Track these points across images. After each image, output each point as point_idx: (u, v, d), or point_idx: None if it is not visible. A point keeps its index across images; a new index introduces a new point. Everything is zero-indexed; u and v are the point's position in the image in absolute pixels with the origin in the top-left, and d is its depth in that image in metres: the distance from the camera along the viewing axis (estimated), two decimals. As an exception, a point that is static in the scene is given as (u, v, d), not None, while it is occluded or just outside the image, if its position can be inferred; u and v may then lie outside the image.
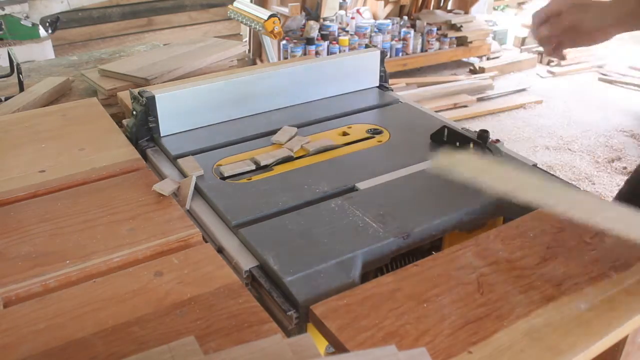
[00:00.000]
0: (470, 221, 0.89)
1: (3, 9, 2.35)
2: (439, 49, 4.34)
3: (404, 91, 3.87)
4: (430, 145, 1.08)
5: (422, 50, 4.29)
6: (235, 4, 2.85)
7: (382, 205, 0.88)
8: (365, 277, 0.77)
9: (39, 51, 2.64)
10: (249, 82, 1.19)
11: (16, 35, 2.48)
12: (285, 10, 3.80)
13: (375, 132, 1.14)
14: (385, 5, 4.35)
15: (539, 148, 3.27)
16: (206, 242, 0.83)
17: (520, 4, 5.76)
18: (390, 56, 4.13)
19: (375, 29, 4.13)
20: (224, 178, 0.98)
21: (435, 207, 0.87)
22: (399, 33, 4.21)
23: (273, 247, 0.78)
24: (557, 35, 1.01)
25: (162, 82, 1.54)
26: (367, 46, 1.53)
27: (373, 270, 0.82)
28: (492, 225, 0.92)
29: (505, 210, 0.92)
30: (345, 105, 1.26)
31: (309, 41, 3.84)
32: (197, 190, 0.95)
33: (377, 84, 1.37)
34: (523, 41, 4.82)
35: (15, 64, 1.57)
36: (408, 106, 1.28)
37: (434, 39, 4.29)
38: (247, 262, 0.77)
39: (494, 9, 5.59)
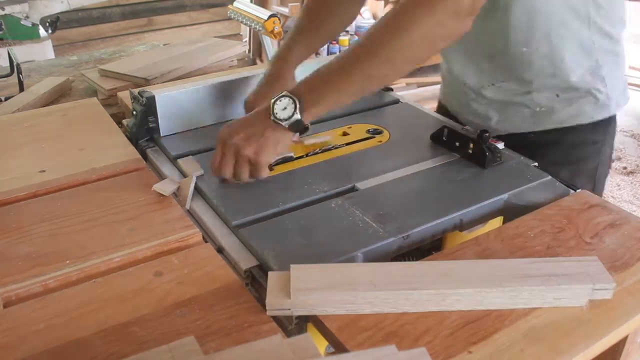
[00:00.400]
0: (470, 221, 0.89)
1: (3, 9, 2.35)
2: (439, 48, 4.34)
3: (404, 91, 3.87)
4: (430, 145, 1.08)
5: (422, 50, 4.29)
6: (235, 4, 2.85)
7: (382, 205, 0.88)
8: (365, 277, 0.77)
9: (39, 51, 2.64)
10: (249, 82, 1.19)
11: (16, 35, 2.48)
12: (285, 10, 3.80)
13: (375, 132, 1.14)
14: (385, 5, 4.35)
15: (539, 148, 3.27)
16: (206, 242, 0.83)
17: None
18: (390, 56, 4.12)
19: (375, 29, 4.12)
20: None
21: (435, 207, 0.87)
22: (399, 33, 4.21)
23: (273, 247, 0.78)
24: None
25: (162, 82, 1.54)
26: (367, 46, 1.52)
27: (373, 270, 0.82)
28: (492, 225, 0.93)
29: (505, 210, 0.92)
30: (345, 105, 1.26)
31: (309, 41, 3.83)
32: (197, 190, 0.95)
33: (377, 84, 1.36)
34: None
35: (15, 64, 1.58)
36: (408, 106, 1.28)
37: (434, 39, 4.28)
38: (247, 262, 0.77)
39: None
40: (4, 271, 0.74)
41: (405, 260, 0.88)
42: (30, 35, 2.52)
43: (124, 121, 1.19)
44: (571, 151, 1.10)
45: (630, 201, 3.06)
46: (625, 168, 3.09)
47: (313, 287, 0.66)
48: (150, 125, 1.10)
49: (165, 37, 4.01)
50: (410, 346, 0.62)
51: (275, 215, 0.87)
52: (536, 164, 1.01)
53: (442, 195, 0.92)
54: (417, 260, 0.79)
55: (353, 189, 0.94)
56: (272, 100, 0.88)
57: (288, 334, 0.66)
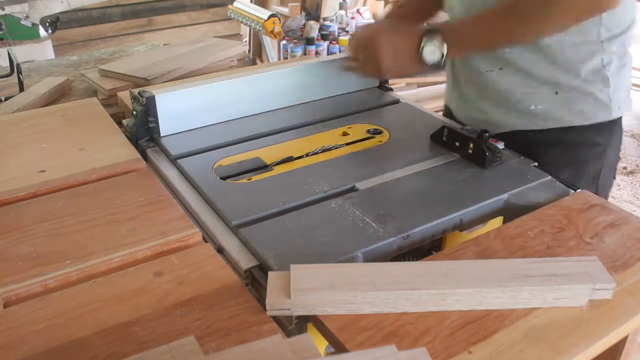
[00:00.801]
0: (470, 221, 0.89)
1: (3, 9, 2.35)
2: (439, 48, 4.33)
3: (404, 91, 3.86)
4: (430, 145, 1.08)
5: (422, 50, 4.29)
6: (235, 4, 2.85)
7: (382, 205, 0.88)
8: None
9: (39, 51, 2.64)
10: (249, 82, 1.19)
11: (16, 35, 2.48)
12: (285, 10, 3.80)
13: (375, 132, 1.14)
14: (385, 5, 4.35)
15: (539, 148, 3.27)
16: (206, 242, 0.83)
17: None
18: (390, 56, 4.12)
19: (376, 29, 4.12)
20: (224, 178, 0.98)
21: (435, 207, 0.87)
22: (399, 33, 4.21)
23: (273, 247, 0.78)
24: (361, 67, 1.06)
25: (162, 82, 1.54)
26: (367, 46, 1.52)
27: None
28: (492, 225, 0.93)
29: (505, 210, 0.92)
30: (345, 105, 1.26)
31: (309, 41, 3.84)
32: (197, 190, 0.95)
33: (377, 84, 1.37)
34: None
35: (15, 64, 1.58)
36: (408, 106, 1.28)
37: (434, 39, 4.28)
38: (247, 262, 0.77)
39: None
40: (4, 271, 0.74)
41: (405, 260, 0.88)
42: (30, 35, 2.51)
43: (124, 121, 1.19)
44: (571, 152, 1.09)
45: (630, 201, 3.06)
46: (625, 168, 3.09)
47: (313, 287, 0.66)
48: (150, 125, 1.10)
49: (165, 37, 4.01)
50: (410, 346, 0.62)
51: (275, 215, 0.87)
52: (536, 164, 1.01)
53: (442, 195, 0.92)
54: (417, 260, 0.79)
55: (353, 189, 0.94)
56: (423, 42, 0.98)
57: (288, 334, 0.66)
